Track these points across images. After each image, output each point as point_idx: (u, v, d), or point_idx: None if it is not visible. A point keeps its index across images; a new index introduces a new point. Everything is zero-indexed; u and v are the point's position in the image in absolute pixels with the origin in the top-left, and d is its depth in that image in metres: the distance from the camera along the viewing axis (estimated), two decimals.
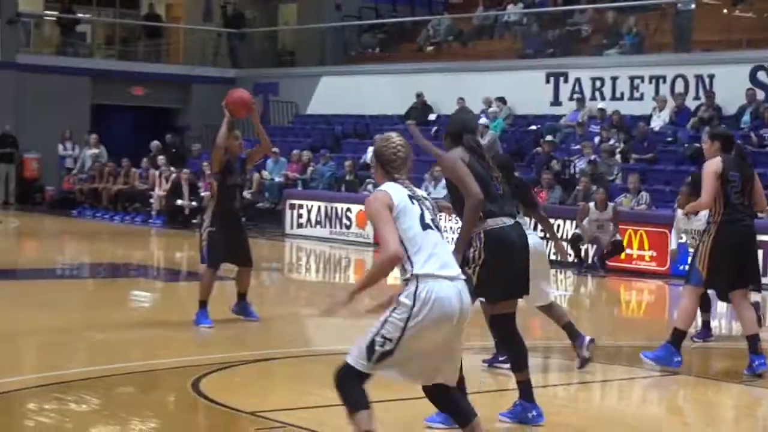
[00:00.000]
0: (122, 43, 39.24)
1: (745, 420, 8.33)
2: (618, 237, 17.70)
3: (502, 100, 27.62)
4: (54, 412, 7.58)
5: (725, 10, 27.48)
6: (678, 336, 9.18)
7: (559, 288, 19.82)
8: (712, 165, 9.04)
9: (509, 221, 7.05)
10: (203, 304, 11.03)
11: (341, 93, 32.86)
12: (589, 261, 20.16)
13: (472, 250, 7.18)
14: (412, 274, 5.60)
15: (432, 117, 29.93)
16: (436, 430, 7.23)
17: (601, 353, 11.17)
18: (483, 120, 26.28)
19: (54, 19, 34.95)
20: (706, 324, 11.25)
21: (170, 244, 21.26)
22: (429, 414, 7.14)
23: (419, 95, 29.61)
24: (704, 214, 10.77)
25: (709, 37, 26.67)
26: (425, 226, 5.68)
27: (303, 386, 7.74)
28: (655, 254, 20.36)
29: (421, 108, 30.09)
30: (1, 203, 29.75)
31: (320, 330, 12.18)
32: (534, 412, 7.44)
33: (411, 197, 5.73)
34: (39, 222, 27.21)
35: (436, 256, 5.65)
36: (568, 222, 21.05)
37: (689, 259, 10.43)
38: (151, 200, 25.65)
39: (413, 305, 5.52)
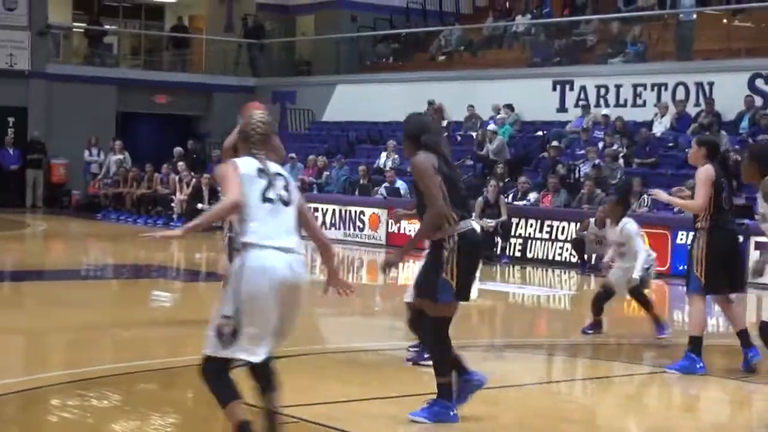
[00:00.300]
0: (147, 53, 39.49)
1: (740, 414, 8.30)
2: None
3: (510, 107, 27.54)
4: (76, 408, 7.56)
5: (725, 21, 27.42)
6: (695, 343, 9.11)
7: (563, 287, 19.75)
8: (707, 171, 9.00)
9: (474, 223, 7.05)
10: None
11: (356, 101, 32.85)
12: (592, 262, 19.66)
13: (445, 252, 6.99)
14: (241, 243, 5.65)
15: (443, 123, 29.55)
16: (420, 424, 7.15)
17: (602, 350, 11.30)
18: (492, 126, 26.62)
19: (82, 30, 35.17)
20: (598, 323, 11.19)
21: (190, 246, 21.25)
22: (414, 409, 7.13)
23: (431, 102, 29.17)
24: (622, 225, 11.14)
25: (710, 46, 26.54)
26: (266, 199, 5.68)
27: (317, 382, 7.72)
28: (655, 255, 19.69)
29: (432, 115, 29.56)
30: (29, 207, 29.75)
31: (334, 328, 12.14)
32: (454, 411, 7.28)
33: (260, 170, 5.74)
34: (65, 225, 27.31)
35: (268, 227, 5.66)
36: (572, 224, 20.90)
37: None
38: (173, 204, 25.63)
39: (241, 276, 5.54)
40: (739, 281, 9.42)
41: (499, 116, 27.18)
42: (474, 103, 28.90)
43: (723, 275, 9.08)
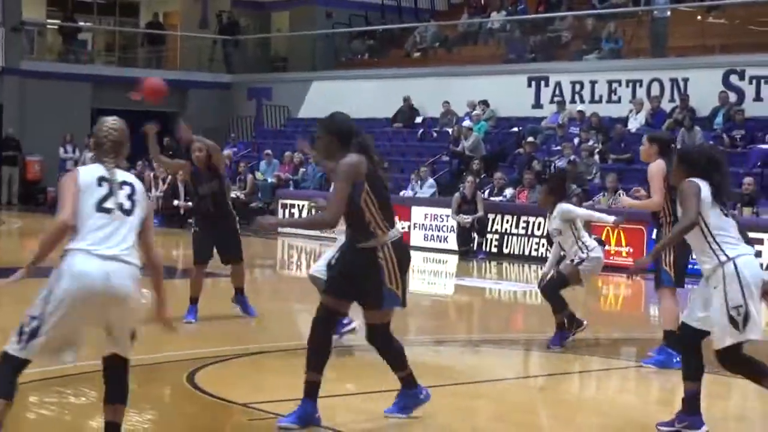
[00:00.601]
0: (121, 50, 39.39)
1: (715, 406, 8.23)
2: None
3: (485, 103, 27.91)
4: (54, 405, 7.59)
5: (699, 17, 27.64)
6: (670, 338, 9.02)
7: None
8: (658, 166, 9.02)
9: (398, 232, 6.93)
10: (192, 300, 11.16)
11: (332, 97, 31.87)
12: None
13: (381, 261, 6.86)
14: (65, 249, 5.52)
15: (418, 120, 30.23)
16: (394, 420, 7.18)
17: (581, 344, 11.14)
18: (467, 122, 26.90)
19: (56, 27, 35.04)
20: (561, 325, 10.43)
21: (166, 243, 21.27)
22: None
23: (406, 99, 29.83)
24: (555, 213, 10.53)
25: (684, 43, 26.91)
26: (101, 209, 5.55)
27: (294, 379, 7.71)
28: (631, 250, 20.36)
29: (408, 111, 30.30)
30: (4, 204, 29.68)
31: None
32: (422, 393, 7.21)
33: (102, 179, 5.61)
34: (41, 222, 26.83)
35: (95, 236, 5.50)
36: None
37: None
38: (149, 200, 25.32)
39: (57, 279, 5.43)
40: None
41: (474, 112, 27.47)
42: (449, 99, 29.29)
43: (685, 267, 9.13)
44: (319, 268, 9.65)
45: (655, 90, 25.35)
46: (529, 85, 28.31)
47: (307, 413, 6.94)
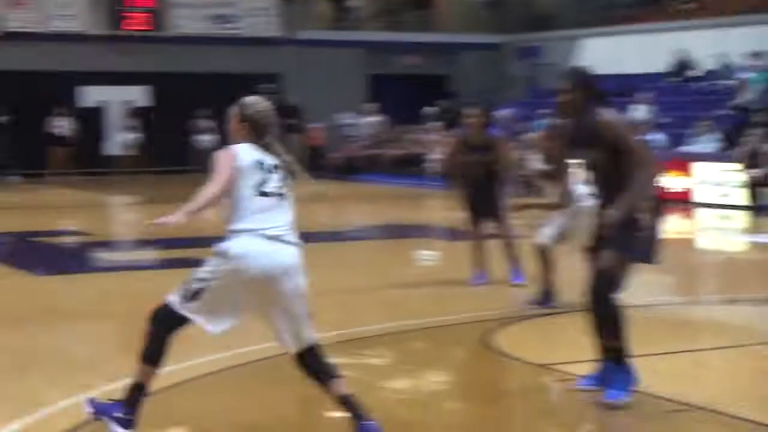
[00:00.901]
0: (391, 14, 39.49)
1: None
2: None
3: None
4: (354, 366, 7.75)
5: None
6: None
7: None
8: None
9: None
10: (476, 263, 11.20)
11: (603, 53, 31.97)
12: None
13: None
14: (230, 230, 5.54)
15: (692, 73, 29.66)
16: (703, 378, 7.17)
17: None
18: (746, 74, 26.41)
19: None
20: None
21: (447, 206, 21.49)
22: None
23: (680, 52, 29.43)
24: None
25: None
26: (262, 193, 5.56)
27: (588, 339, 7.75)
28: None
29: (681, 64, 29.95)
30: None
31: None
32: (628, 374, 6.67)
33: (259, 162, 5.60)
34: (326, 187, 27.50)
35: (258, 217, 5.53)
36: None
37: None
38: (427, 163, 26.11)
39: (225, 256, 5.47)
40: None
41: (754, 63, 26.51)
42: (726, 50, 28.44)
43: None
44: (549, 235, 9.52)
45: None
46: None
47: (615, 377, 6.59)
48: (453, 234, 17.92)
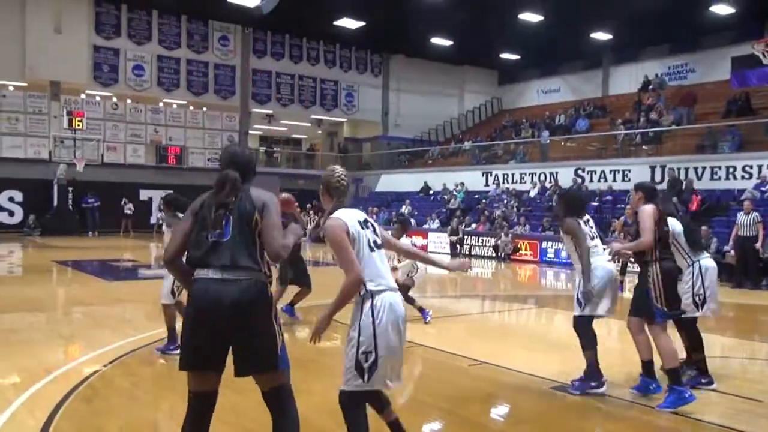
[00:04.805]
0: (291, 161, 47.83)
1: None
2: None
3: (462, 184, 37.88)
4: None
5: (562, 143, 37.71)
6: (674, 373, 7.94)
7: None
8: (649, 209, 8.15)
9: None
10: None
11: (390, 183, 44.22)
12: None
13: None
14: (367, 291, 5.20)
15: (431, 192, 39.00)
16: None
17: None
18: (455, 192, 36.75)
19: None
20: (697, 362, 9.05)
21: None
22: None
23: (425, 181, 39.68)
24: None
25: (555, 155, 36.60)
26: (371, 248, 5.31)
27: None
28: (532, 253, 29.03)
29: (425, 188, 40.31)
30: None
31: None
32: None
33: (362, 222, 5.39)
34: None
35: (377, 271, 5.28)
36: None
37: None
38: None
39: (374, 317, 5.16)
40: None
41: (457, 188, 37.95)
42: (446, 182, 39.68)
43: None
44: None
45: (543, 177, 35.43)
46: (482, 175, 38.82)
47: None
48: None
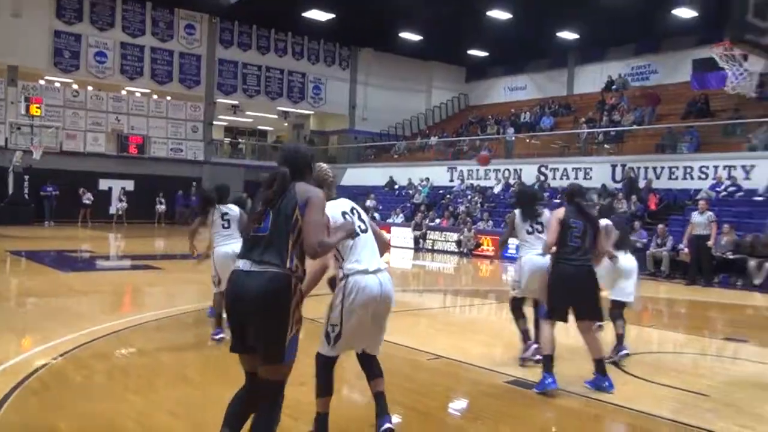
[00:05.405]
0: (257, 152, 48.29)
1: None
2: None
3: (428, 179, 38.73)
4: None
5: (527, 140, 38.16)
6: (546, 360, 8.34)
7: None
8: (556, 213, 8.42)
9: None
10: None
11: (357, 176, 43.93)
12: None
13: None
14: (344, 273, 5.76)
15: (396, 188, 39.70)
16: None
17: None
18: (420, 187, 37.21)
19: None
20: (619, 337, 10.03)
21: None
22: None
23: (391, 176, 40.35)
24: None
25: (520, 151, 37.43)
26: (355, 233, 5.68)
27: None
28: (492, 249, 29.55)
29: (390, 183, 40.49)
30: None
31: None
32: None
33: (352, 209, 5.87)
34: None
35: (360, 258, 5.78)
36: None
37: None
38: None
39: (344, 296, 5.72)
40: (587, 311, 8.41)
41: (423, 183, 38.51)
42: (412, 177, 40.22)
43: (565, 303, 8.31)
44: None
45: (507, 173, 35.87)
46: (448, 170, 39.19)
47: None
48: None
